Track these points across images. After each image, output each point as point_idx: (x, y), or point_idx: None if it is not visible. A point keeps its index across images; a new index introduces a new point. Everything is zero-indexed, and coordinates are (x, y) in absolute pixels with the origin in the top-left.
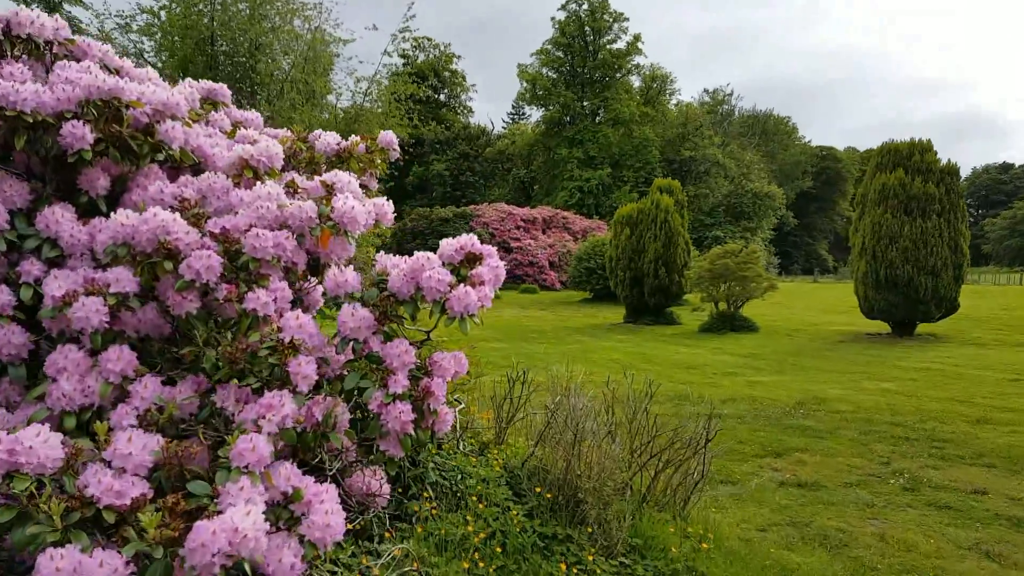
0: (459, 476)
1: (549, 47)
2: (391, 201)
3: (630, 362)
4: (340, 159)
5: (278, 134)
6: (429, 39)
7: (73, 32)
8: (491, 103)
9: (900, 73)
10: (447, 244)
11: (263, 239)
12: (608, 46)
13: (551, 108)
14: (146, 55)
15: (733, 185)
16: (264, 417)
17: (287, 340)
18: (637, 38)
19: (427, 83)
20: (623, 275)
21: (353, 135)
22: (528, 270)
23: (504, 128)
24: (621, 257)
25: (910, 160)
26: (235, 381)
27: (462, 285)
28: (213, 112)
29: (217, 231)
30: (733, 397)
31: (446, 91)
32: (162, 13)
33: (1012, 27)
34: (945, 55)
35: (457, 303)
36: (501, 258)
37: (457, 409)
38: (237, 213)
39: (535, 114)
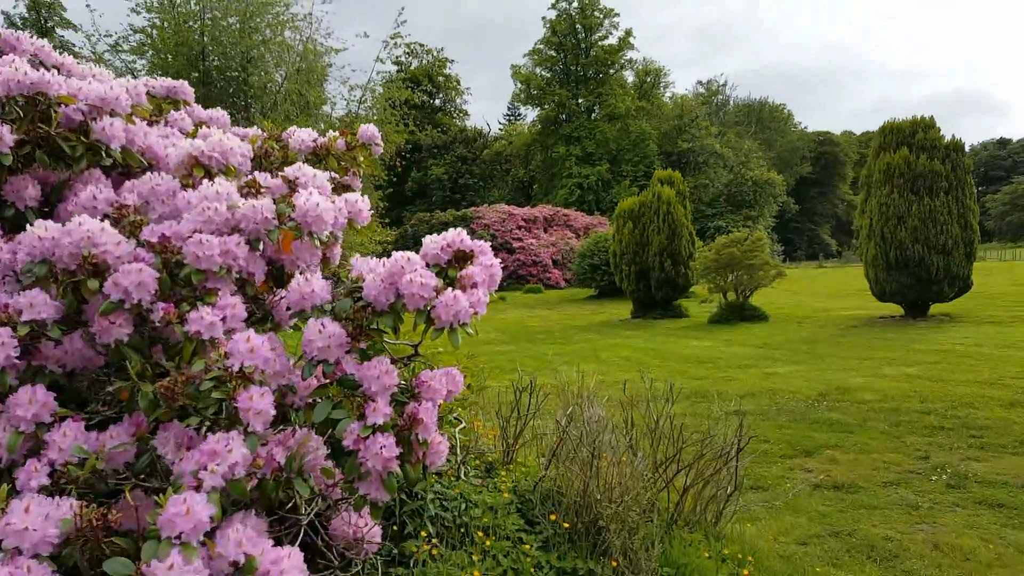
0: (463, 506)
1: (541, 47)
2: (367, 197)
3: (641, 359)
4: (317, 157)
5: (247, 133)
6: (422, 44)
7: (62, 53)
8: (486, 105)
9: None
10: (431, 242)
11: (208, 246)
12: (600, 43)
13: (546, 107)
14: (138, 74)
15: (733, 174)
16: (207, 468)
17: (235, 368)
18: (628, 33)
19: (422, 88)
20: (628, 269)
21: (332, 131)
22: (532, 270)
23: (501, 129)
24: (625, 252)
25: (913, 138)
26: (178, 421)
27: (450, 289)
28: (173, 112)
29: (155, 240)
30: (751, 391)
31: (441, 95)
32: (154, 32)
33: (998, 8)
34: (932, 40)
35: (445, 311)
36: (503, 259)
37: (457, 429)
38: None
39: (531, 114)
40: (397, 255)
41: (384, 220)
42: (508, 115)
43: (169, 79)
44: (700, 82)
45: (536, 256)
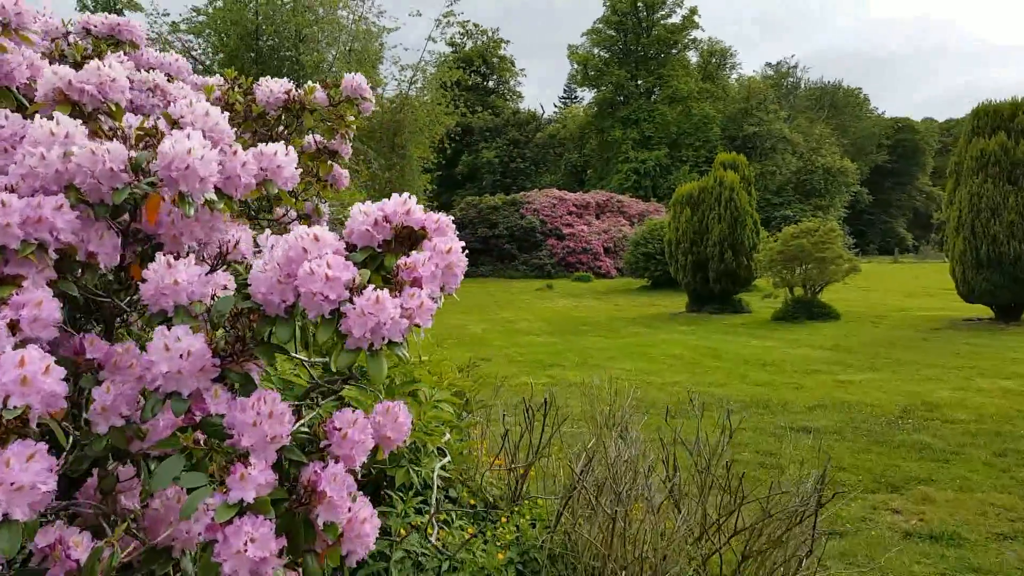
0: (443, 567)
1: (600, 26)
2: (292, 151)
3: (694, 358)
4: (291, 113)
5: (207, 82)
6: (477, 25)
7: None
8: (541, 88)
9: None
10: (361, 213)
11: (5, 211)
12: (662, 21)
13: (603, 89)
14: (193, 52)
15: (802, 161)
16: None
17: None
18: (693, 12)
19: (475, 69)
20: (684, 260)
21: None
22: (582, 257)
23: (555, 112)
24: (682, 240)
25: (1012, 122)
26: None
27: (371, 289)
28: (110, 55)
29: None
30: (822, 403)
31: (495, 77)
32: (210, 9)
33: None
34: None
35: (359, 323)
36: (553, 246)
37: (438, 466)
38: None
39: (587, 96)
40: (301, 230)
41: (433, 204)
42: (564, 97)
43: (114, 16)
44: (769, 64)
45: (587, 243)
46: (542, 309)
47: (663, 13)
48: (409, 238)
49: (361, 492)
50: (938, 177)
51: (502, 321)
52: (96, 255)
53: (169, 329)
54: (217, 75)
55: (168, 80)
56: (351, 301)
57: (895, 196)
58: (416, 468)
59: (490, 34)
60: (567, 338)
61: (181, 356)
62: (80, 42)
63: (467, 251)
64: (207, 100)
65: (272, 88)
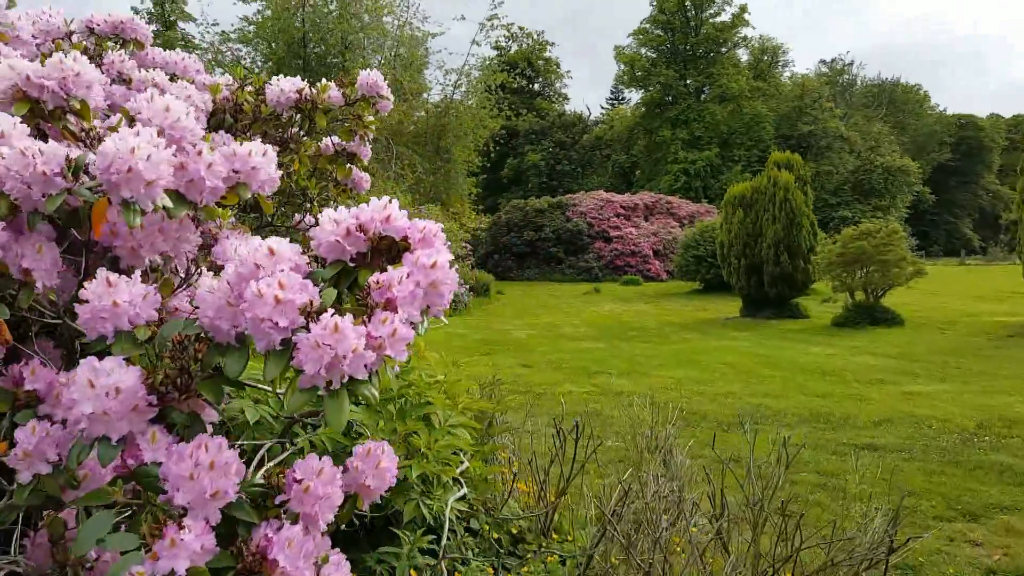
0: None
1: (647, 26)
2: (270, 150)
3: (748, 366)
4: (303, 114)
5: (215, 83)
6: (522, 28)
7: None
8: (587, 90)
9: None
10: (331, 222)
11: None
12: (711, 20)
13: (651, 89)
14: (243, 61)
15: (860, 160)
16: None
17: None
18: (743, 9)
19: (520, 72)
20: (737, 263)
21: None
22: (630, 260)
23: (602, 114)
24: (734, 243)
25: None
26: None
27: (328, 314)
28: (111, 53)
29: None
30: (888, 417)
31: (540, 80)
32: (258, 18)
33: None
34: None
35: (313, 356)
36: (600, 249)
37: (451, 500)
38: None
39: (634, 97)
40: (254, 243)
41: (478, 207)
42: (611, 99)
43: (119, 13)
44: (823, 61)
45: (635, 246)
46: (589, 313)
47: (712, 11)
48: (390, 250)
49: (337, 550)
50: (1005, 175)
51: (548, 326)
52: (31, 272)
53: (101, 360)
54: (227, 74)
55: (172, 80)
56: (307, 328)
57: (960, 195)
58: (428, 502)
59: (535, 37)
60: (614, 344)
61: (108, 394)
62: (84, 41)
63: (512, 254)
64: (212, 100)
65: (283, 87)
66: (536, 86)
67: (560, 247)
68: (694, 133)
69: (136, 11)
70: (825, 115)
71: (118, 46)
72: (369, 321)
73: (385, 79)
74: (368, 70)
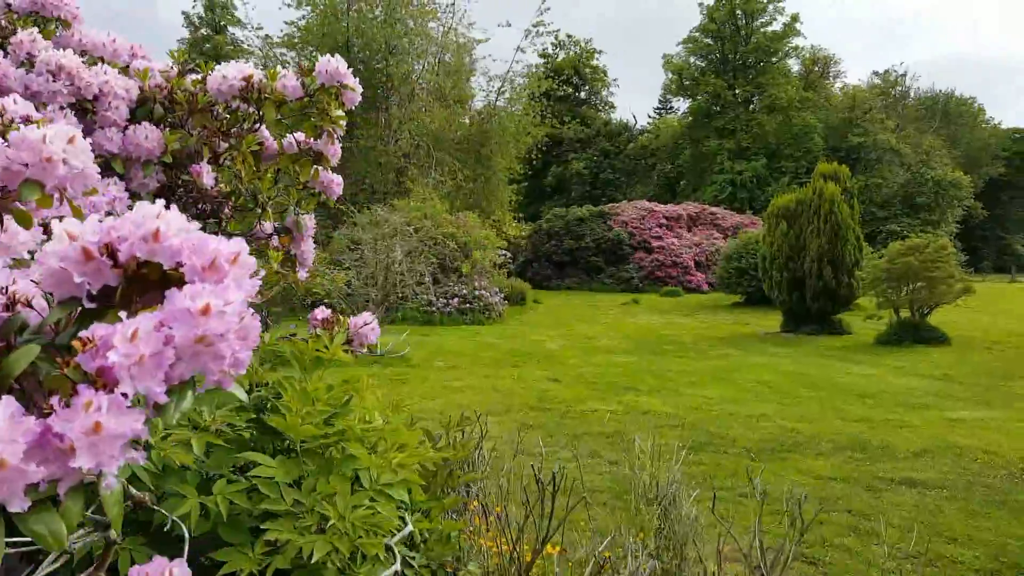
0: None
1: (696, 35)
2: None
3: (785, 386)
4: (249, 104)
5: (150, 68)
6: (569, 36)
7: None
8: (635, 98)
9: None
10: (62, 235)
11: None
12: (762, 29)
13: (699, 98)
14: (287, 66)
15: (910, 173)
16: None
17: None
18: (795, 19)
19: (566, 79)
20: (779, 276)
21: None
22: (671, 271)
23: (649, 123)
24: (776, 255)
25: None
26: None
27: None
28: (20, 33)
29: None
30: (928, 448)
31: (586, 88)
32: (302, 21)
33: None
34: None
35: None
36: (641, 259)
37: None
38: None
39: (682, 106)
40: None
41: (519, 215)
42: (658, 108)
43: None
44: (876, 72)
45: (677, 257)
46: (625, 325)
47: (763, 21)
48: (159, 282)
49: None
50: None
51: (581, 337)
52: None
53: None
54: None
55: (97, 63)
56: None
57: (1013, 210)
58: None
59: (583, 44)
60: (648, 358)
61: None
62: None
63: (552, 263)
64: (140, 87)
65: (226, 74)
66: (582, 94)
67: (600, 256)
68: (741, 143)
69: (186, 15)
70: (876, 127)
71: (39, 25)
72: (65, 406)
73: (428, 85)
74: (329, 57)
